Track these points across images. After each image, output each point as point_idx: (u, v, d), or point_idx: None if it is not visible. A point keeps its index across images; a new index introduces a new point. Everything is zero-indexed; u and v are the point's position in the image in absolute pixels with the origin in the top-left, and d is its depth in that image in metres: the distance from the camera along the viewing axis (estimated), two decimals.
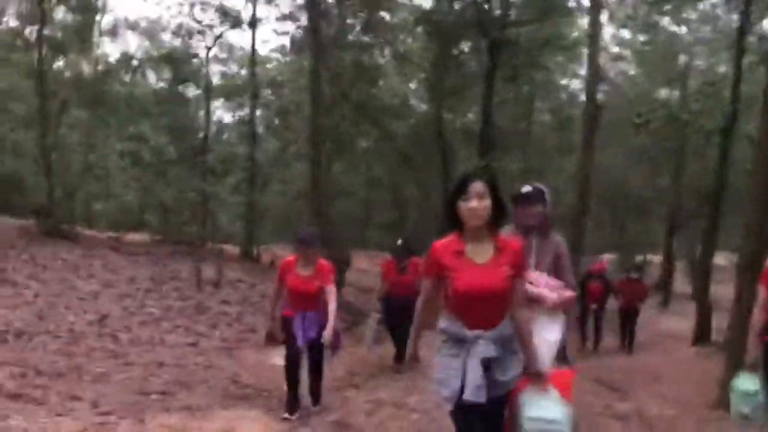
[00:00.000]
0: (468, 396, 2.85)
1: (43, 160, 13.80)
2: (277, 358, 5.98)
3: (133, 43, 33.93)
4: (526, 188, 3.88)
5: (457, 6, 15.32)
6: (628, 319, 11.20)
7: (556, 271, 3.64)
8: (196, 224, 15.54)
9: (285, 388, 5.39)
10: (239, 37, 52.68)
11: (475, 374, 2.86)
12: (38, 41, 14.11)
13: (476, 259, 2.95)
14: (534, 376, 3.15)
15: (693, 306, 12.94)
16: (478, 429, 2.98)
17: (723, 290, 12.54)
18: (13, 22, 16.08)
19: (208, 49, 17.26)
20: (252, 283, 10.51)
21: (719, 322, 10.15)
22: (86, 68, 16.47)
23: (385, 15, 17.32)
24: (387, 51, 19.38)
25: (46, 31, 14.44)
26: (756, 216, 6.55)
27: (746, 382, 4.39)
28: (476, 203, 2.88)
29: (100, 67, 17.16)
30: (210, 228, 15.30)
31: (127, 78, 18.02)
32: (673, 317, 16.16)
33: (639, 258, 33.95)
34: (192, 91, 20.21)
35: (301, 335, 5.30)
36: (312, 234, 5.68)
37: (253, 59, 15.98)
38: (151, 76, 21.07)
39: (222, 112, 23.31)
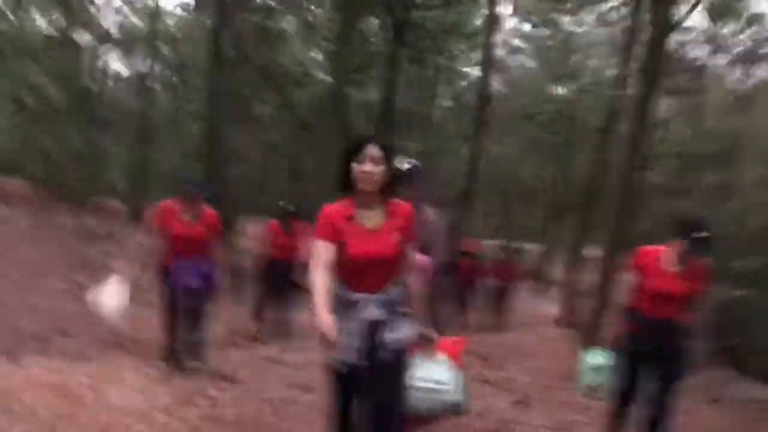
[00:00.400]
0: (347, 357, 2.88)
1: None
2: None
3: None
4: (407, 165, 3.96)
5: None
6: (501, 297, 11.83)
7: (428, 245, 3.75)
8: (79, 176, 14.93)
9: (162, 337, 5.40)
10: None
11: (356, 336, 2.88)
12: None
13: (367, 225, 2.95)
14: (424, 340, 3.27)
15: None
16: (357, 391, 3.00)
17: (592, 280, 13.61)
18: None
19: None
20: (134, 237, 10.34)
21: (583, 307, 11.01)
22: None
23: None
24: (292, 17, 19.30)
25: None
26: (620, 212, 7.23)
27: (597, 357, 4.80)
28: (371, 167, 2.87)
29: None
30: (95, 181, 14.74)
31: (12, 17, 16.87)
32: (546, 302, 17.23)
33: (518, 244, 35.67)
34: (85, 40, 19.27)
35: (181, 286, 5.19)
36: (198, 182, 5.57)
37: (156, 11, 15.40)
38: (40, 20, 19.91)
39: (119, 66, 22.40)
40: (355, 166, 2.90)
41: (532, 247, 30.09)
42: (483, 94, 10.26)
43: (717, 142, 12.98)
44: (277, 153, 26.36)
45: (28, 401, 3.81)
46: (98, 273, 8.29)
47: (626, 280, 4.58)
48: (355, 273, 2.94)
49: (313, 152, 24.01)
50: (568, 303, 12.35)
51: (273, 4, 17.48)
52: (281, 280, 7.39)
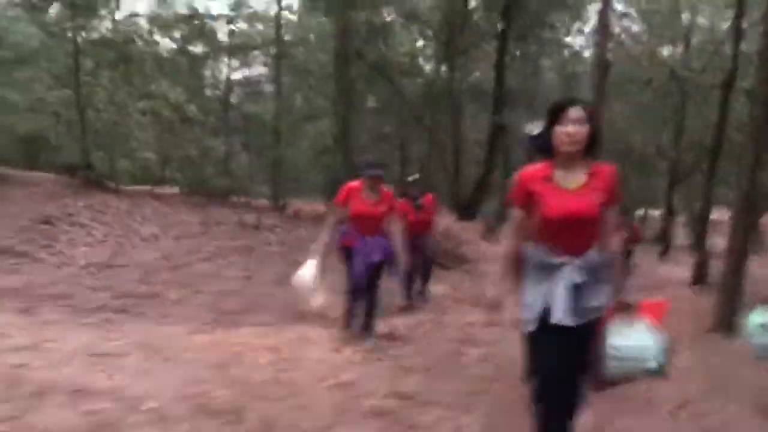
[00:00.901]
0: (555, 317, 2.82)
1: (80, 119, 14.54)
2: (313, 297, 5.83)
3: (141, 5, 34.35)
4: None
5: None
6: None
7: None
8: (220, 178, 16.38)
9: (345, 308, 5.65)
10: None
11: (562, 298, 2.83)
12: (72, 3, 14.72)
13: (567, 185, 2.88)
14: (621, 305, 3.12)
15: (691, 256, 13.83)
16: (559, 353, 2.91)
17: (719, 242, 13.49)
18: None
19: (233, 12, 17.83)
20: (287, 228, 11.42)
21: (715, 269, 11.03)
22: (110, 28, 17.09)
23: None
24: (395, 9, 19.93)
25: None
26: (751, 169, 7.28)
27: (764, 314, 4.59)
28: (574, 128, 2.80)
29: (122, 27, 17.76)
30: (236, 181, 16.13)
31: (150, 37, 18.63)
32: (671, 266, 17.08)
33: (640, 212, 35.02)
34: (199, 49, 20.84)
35: (363, 262, 5.39)
36: (379, 161, 5.71)
37: (278, 16, 16.54)
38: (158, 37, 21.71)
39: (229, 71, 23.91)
40: (557, 128, 2.84)
41: (654, 213, 29.49)
42: (601, 61, 10.36)
43: None
44: (387, 142, 27.27)
45: (250, 357, 4.73)
46: (266, 259, 9.48)
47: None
48: (555, 235, 2.89)
49: (424, 139, 24.83)
50: (700, 264, 12.36)
51: None
52: (416, 255, 7.25)
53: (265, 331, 5.69)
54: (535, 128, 4.12)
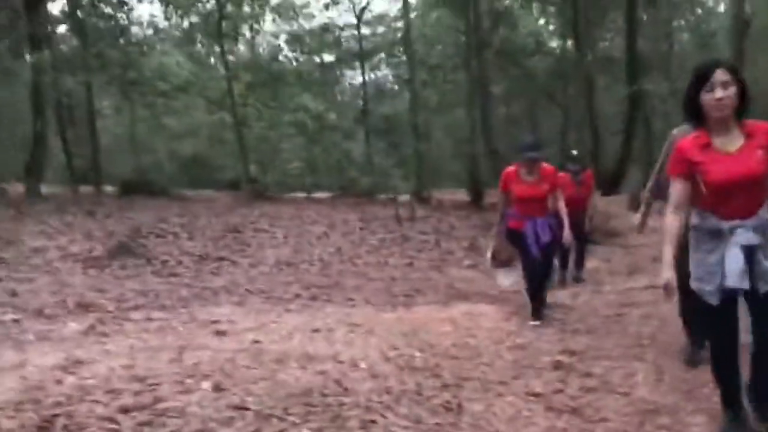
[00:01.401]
0: (730, 283, 2.76)
1: (237, 138, 16.11)
2: (503, 279, 6.39)
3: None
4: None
5: None
6: None
7: None
8: (365, 178, 17.42)
9: (527, 296, 5.79)
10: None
11: (736, 261, 2.75)
12: (218, 32, 16.34)
13: (727, 149, 2.82)
14: None
15: None
16: (735, 324, 2.89)
17: None
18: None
19: (359, 19, 18.81)
20: (438, 218, 12.17)
21: None
22: (257, 50, 18.69)
23: None
24: None
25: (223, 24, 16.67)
26: None
27: None
28: (722, 92, 2.74)
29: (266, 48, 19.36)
30: (379, 179, 17.09)
31: (292, 55, 20.07)
32: None
33: None
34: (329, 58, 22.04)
35: (535, 243, 5.47)
36: (538, 145, 5.64)
37: (406, 18, 17.29)
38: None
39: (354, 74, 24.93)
40: (704, 95, 2.78)
41: None
42: (739, 18, 10.00)
43: None
44: (517, 124, 27.32)
45: (433, 327, 5.40)
46: (422, 248, 10.26)
47: None
48: (722, 200, 2.82)
49: (555, 117, 24.72)
50: None
51: None
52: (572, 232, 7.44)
53: (438, 307, 6.37)
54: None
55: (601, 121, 19.43)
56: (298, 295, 6.76)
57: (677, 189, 2.93)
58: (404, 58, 18.43)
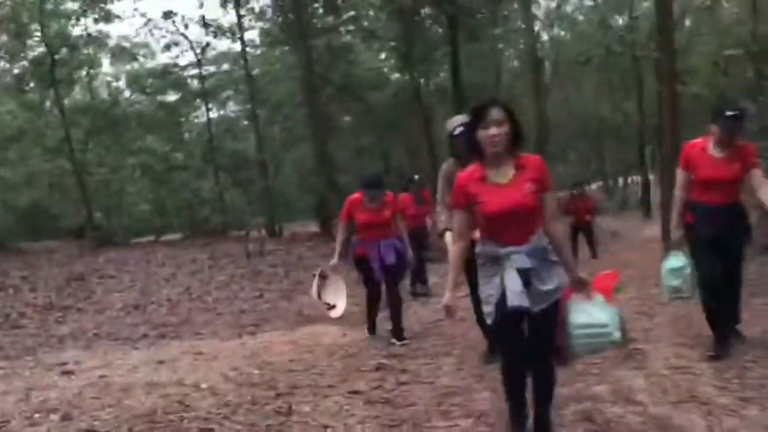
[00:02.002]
0: (511, 303, 2.95)
1: (78, 184, 15.73)
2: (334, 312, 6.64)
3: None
4: (460, 130, 4.28)
5: None
6: (581, 231, 11.86)
7: None
8: (216, 216, 17.53)
9: (366, 320, 6.12)
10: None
11: (514, 283, 2.96)
12: (52, 81, 15.95)
13: (499, 181, 3.03)
14: (577, 284, 3.23)
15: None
16: (521, 339, 3.10)
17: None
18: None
19: (199, 59, 19.02)
20: (287, 251, 12.62)
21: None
22: (96, 94, 18.34)
23: None
24: (353, 31, 21.09)
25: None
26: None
27: (673, 260, 4.75)
28: (495, 130, 2.94)
29: (106, 93, 19.03)
30: (231, 217, 17.30)
31: (133, 97, 19.83)
32: (654, 225, 18.18)
33: (620, 179, 36.37)
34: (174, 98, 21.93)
35: (379, 266, 5.67)
36: (378, 178, 5.85)
37: (244, 56, 17.72)
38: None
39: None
40: (480, 131, 2.99)
41: (638, 179, 30.81)
42: (532, 58, 11.55)
43: None
44: (370, 155, 28.43)
45: (274, 349, 5.87)
46: (272, 279, 10.64)
47: (680, 177, 4.63)
48: (498, 228, 3.05)
49: (402, 146, 26.05)
50: (665, 221, 13.38)
51: (332, 21, 19.10)
52: (416, 246, 7.45)
53: (283, 332, 6.84)
54: (453, 124, 4.44)
55: (443, 147, 20.78)
56: (145, 335, 6.99)
57: (458, 219, 3.15)
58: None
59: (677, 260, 4.66)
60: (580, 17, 25.16)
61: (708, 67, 10.12)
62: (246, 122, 22.46)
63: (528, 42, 12.65)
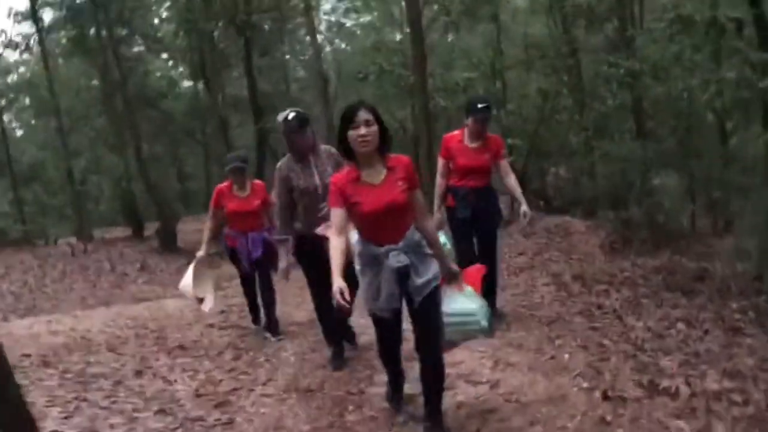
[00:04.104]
0: (383, 305, 3.14)
1: None
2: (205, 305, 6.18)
3: None
4: (292, 115, 4.36)
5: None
6: None
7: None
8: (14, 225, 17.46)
9: (247, 305, 6.13)
10: None
11: (389, 285, 3.11)
12: None
13: (372, 181, 3.15)
14: (449, 275, 3.39)
15: None
16: (396, 328, 3.32)
17: None
18: None
19: None
20: (107, 249, 13.55)
21: None
22: None
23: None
24: (142, 42, 21.82)
25: None
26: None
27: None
28: (365, 130, 3.05)
29: None
30: (33, 226, 17.44)
31: None
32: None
33: None
34: None
35: (246, 257, 5.67)
36: (243, 157, 5.82)
37: (47, 68, 17.89)
38: None
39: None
40: (351, 133, 3.09)
41: None
42: (318, 72, 13.64)
43: None
44: (161, 162, 28.84)
45: (134, 311, 7.34)
46: (100, 274, 11.62)
47: (440, 166, 5.18)
48: (374, 227, 3.18)
49: (197, 153, 27.07)
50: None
51: (123, 33, 19.68)
52: None
53: (129, 306, 8.29)
54: (283, 115, 4.42)
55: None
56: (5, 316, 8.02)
57: (336, 216, 3.18)
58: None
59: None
60: (358, 32, 28.16)
61: (453, 86, 12.98)
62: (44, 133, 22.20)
63: (313, 57, 14.83)
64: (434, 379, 3.35)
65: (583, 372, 3.98)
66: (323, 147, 4.60)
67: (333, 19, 26.63)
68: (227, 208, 5.71)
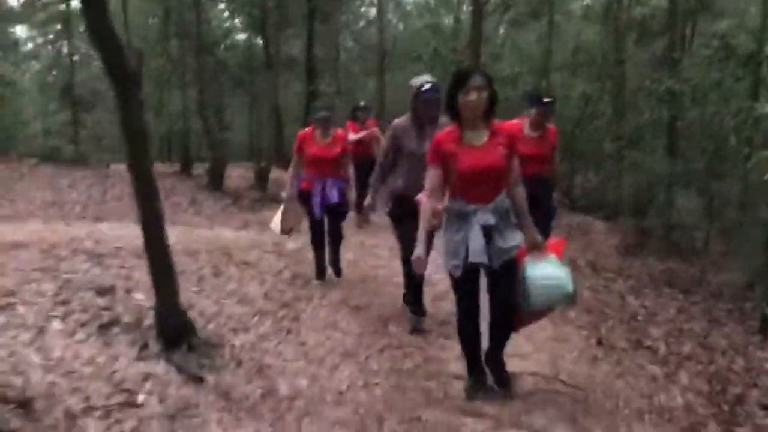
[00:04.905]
0: (473, 258, 3.18)
1: None
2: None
3: None
4: (428, 85, 4.50)
5: None
6: None
7: None
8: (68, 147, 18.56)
9: (312, 255, 6.21)
10: None
11: (477, 239, 3.17)
12: None
13: (474, 143, 3.23)
14: (533, 243, 3.41)
15: None
16: (476, 291, 3.37)
17: None
18: None
19: None
20: (160, 180, 14.56)
21: None
22: None
23: None
24: None
25: None
26: None
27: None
28: (475, 95, 3.12)
29: None
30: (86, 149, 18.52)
31: None
32: None
33: None
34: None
35: (320, 202, 5.81)
36: (330, 106, 6.11)
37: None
38: None
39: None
40: (460, 96, 3.16)
41: None
42: (380, 47, 14.47)
43: None
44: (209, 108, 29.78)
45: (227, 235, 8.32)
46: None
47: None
48: (468, 186, 3.25)
49: (244, 106, 27.98)
50: None
51: None
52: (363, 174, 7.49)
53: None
54: (420, 81, 4.61)
55: (283, 111, 23.20)
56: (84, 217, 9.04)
57: (432, 175, 3.35)
58: None
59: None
60: (411, 9, 28.92)
61: (503, 77, 13.74)
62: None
63: (376, 32, 15.70)
64: (500, 335, 3.50)
65: (584, 325, 4.88)
66: (443, 119, 4.63)
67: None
68: (308, 152, 5.89)
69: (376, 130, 9.18)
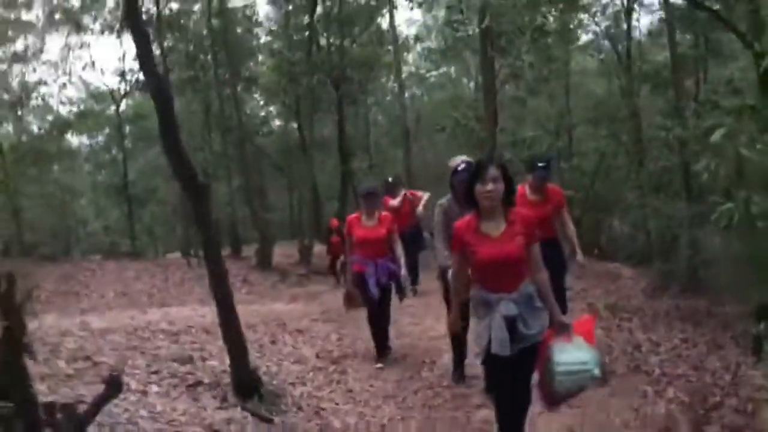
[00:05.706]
0: (494, 349, 3.27)
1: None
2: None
3: None
4: (462, 166, 4.78)
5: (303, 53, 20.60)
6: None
7: None
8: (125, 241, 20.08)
9: (372, 340, 6.34)
10: None
11: (499, 331, 3.25)
12: None
13: (491, 233, 3.31)
14: (559, 327, 3.48)
15: None
16: (506, 378, 3.42)
17: None
18: None
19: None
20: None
21: None
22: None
23: None
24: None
25: None
26: None
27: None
28: (491, 186, 3.23)
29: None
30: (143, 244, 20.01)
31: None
32: None
33: None
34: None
35: (374, 283, 5.97)
36: (375, 187, 6.44)
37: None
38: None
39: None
40: (478, 186, 3.27)
41: None
42: (402, 124, 15.81)
43: None
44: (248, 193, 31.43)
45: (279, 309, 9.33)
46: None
47: None
48: (488, 276, 3.34)
49: (283, 188, 29.51)
50: None
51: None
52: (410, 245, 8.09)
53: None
54: (456, 161, 4.89)
55: (324, 189, 24.53)
56: (152, 304, 10.20)
57: (456, 260, 3.54)
58: None
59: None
60: (432, 79, 30.37)
61: (520, 142, 14.69)
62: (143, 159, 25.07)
63: (399, 110, 17.09)
64: (519, 411, 3.56)
65: None
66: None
67: (413, 69, 29.11)
68: (356, 236, 6.08)
69: (407, 193, 9.96)
